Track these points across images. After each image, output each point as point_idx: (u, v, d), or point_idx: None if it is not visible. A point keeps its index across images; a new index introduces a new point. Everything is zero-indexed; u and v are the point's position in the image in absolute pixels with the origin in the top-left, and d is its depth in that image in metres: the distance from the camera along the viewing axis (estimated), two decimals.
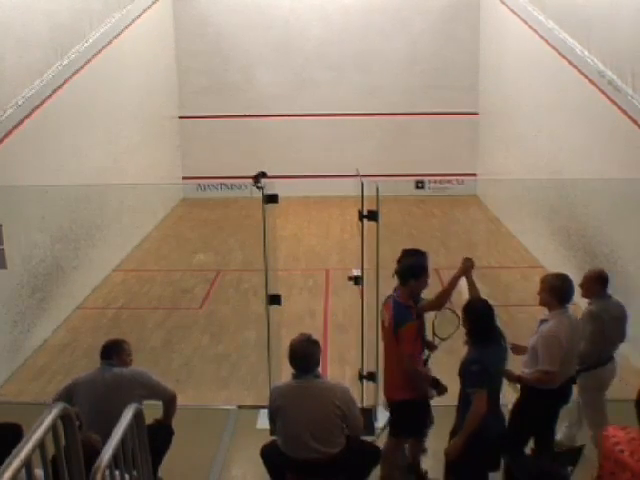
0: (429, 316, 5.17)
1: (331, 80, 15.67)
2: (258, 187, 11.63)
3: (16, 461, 2.36)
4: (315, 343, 4.72)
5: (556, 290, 4.94)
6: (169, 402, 5.18)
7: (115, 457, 3.31)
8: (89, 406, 4.85)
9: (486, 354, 4.52)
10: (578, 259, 9.16)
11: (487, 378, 4.47)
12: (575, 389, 5.30)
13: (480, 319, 4.60)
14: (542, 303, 5.04)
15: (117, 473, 3.34)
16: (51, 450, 2.74)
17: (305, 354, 4.64)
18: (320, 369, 4.79)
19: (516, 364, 5.05)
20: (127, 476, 3.47)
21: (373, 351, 6.30)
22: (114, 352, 5.15)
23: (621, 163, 8.21)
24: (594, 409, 5.47)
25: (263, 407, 6.10)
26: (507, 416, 4.90)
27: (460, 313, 4.79)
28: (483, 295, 5.03)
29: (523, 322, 7.85)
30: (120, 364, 5.10)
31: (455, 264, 5.32)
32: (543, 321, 4.98)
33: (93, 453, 3.34)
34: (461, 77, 15.48)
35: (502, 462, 4.74)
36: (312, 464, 4.55)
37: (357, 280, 6.53)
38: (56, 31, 9.34)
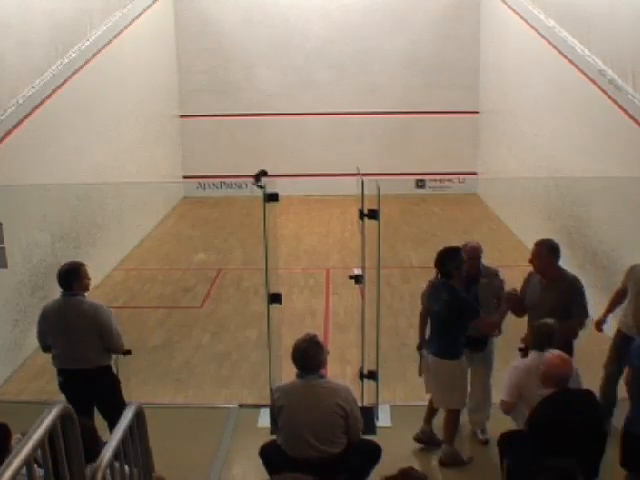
0: None
1: (331, 79, 15.65)
2: (259, 186, 11.67)
3: (16, 461, 2.36)
4: (319, 344, 4.73)
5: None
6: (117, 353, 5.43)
7: (115, 456, 3.30)
8: (55, 334, 5.32)
9: None
10: (579, 258, 9.15)
11: None
12: None
13: None
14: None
15: (117, 465, 3.34)
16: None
17: (308, 354, 4.64)
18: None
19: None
20: (127, 467, 3.46)
21: (374, 350, 6.31)
22: (74, 279, 5.30)
23: (622, 162, 8.21)
24: None
25: (264, 406, 6.13)
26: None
27: None
28: None
29: (524, 320, 7.85)
30: (81, 289, 5.32)
31: None
32: None
33: (90, 441, 3.34)
34: (462, 76, 15.47)
35: None
36: (313, 463, 4.55)
37: (358, 279, 6.54)
38: (57, 30, 9.34)
